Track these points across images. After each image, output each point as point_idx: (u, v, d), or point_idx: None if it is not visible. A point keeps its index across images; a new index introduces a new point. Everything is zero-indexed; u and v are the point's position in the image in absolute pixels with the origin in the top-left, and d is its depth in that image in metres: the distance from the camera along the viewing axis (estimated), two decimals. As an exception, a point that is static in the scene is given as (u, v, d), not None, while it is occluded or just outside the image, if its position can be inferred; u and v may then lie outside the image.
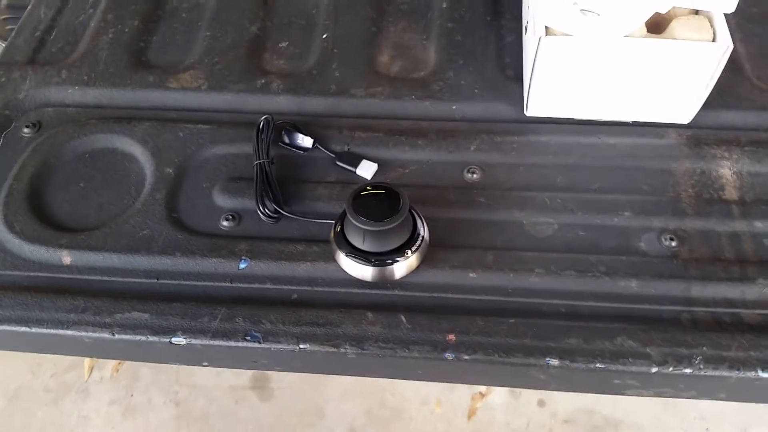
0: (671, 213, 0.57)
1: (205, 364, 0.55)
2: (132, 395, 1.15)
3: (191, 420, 1.13)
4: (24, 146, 0.63)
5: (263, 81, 0.67)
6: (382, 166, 0.61)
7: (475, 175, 0.60)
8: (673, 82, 0.58)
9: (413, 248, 0.52)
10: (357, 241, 0.52)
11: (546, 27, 0.56)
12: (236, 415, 1.13)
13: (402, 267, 0.52)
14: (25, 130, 0.64)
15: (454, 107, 0.65)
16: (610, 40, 0.56)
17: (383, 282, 0.53)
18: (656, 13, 0.55)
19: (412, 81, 0.68)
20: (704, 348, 0.48)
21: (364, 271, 0.52)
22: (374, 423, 1.10)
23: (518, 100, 0.65)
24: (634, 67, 0.57)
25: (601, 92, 0.60)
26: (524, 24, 0.67)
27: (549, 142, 0.62)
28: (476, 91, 0.66)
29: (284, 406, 1.13)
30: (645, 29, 0.57)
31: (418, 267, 0.53)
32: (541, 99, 0.61)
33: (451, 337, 0.50)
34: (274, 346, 0.50)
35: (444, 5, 0.74)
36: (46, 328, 0.51)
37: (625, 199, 0.58)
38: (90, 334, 0.51)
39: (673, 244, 0.55)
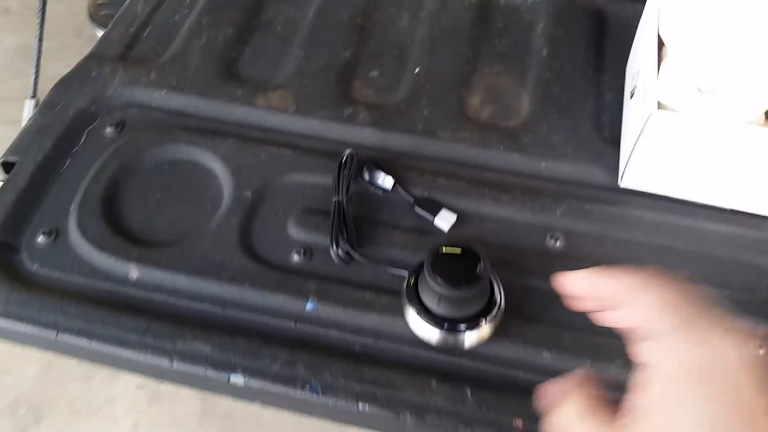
0: (762, 316, 0.51)
1: (258, 402, 0.52)
2: (160, 383, 1.14)
3: (214, 417, 1.12)
4: (105, 146, 0.61)
5: (350, 110, 0.63)
6: (461, 218, 0.57)
7: (558, 243, 0.56)
8: (788, 177, 0.53)
9: (488, 317, 0.48)
10: (430, 302, 0.48)
11: (658, 101, 0.51)
12: (259, 419, 1.12)
13: (474, 336, 0.48)
14: (108, 129, 0.62)
15: (543, 164, 0.61)
16: (724, 125, 0.51)
17: (451, 348, 0.49)
18: (785, 104, 0.50)
19: (501, 130, 0.63)
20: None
21: (432, 334, 0.49)
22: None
23: (612, 166, 0.60)
24: (745, 155, 0.52)
25: (704, 174, 0.55)
26: (629, 86, 0.62)
27: (641, 218, 0.57)
28: (568, 150, 0.61)
29: (307, 418, 1.11)
30: (764, 118, 0.52)
31: (490, 337, 0.49)
32: (640, 172, 0.57)
33: (519, 421, 0.46)
34: (332, 401, 0.47)
35: (544, 52, 0.69)
36: (107, 344, 0.49)
37: (715, 293, 0.52)
38: (149, 358, 0.49)
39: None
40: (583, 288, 0.36)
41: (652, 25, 0.56)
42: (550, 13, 0.73)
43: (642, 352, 0.31)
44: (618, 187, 0.59)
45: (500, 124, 0.64)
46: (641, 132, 0.53)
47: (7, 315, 0.50)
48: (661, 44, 0.54)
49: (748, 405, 0.29)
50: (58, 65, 0.90)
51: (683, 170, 0.55)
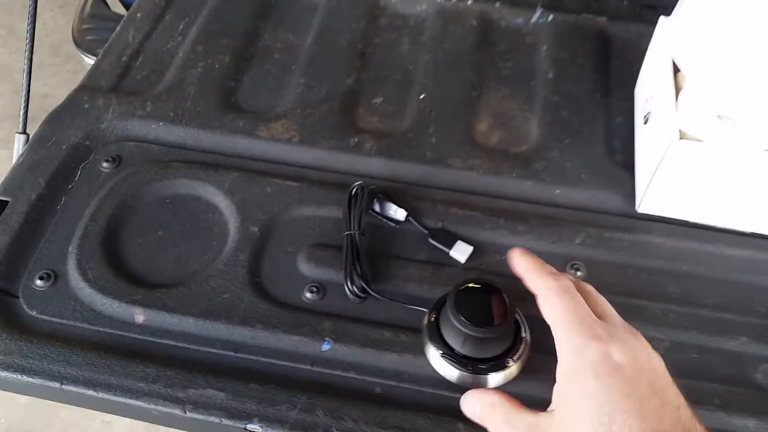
0: (788, 341, 0.52)
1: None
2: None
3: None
4: (102, 182, 0.60)
5: (356, 140, 0.63)
6: (477, 249, 0.57)
7: (579, 273, 0.56)
8: (810, 201, 0.53)
9: (515, 357, 0.48)
10: (455, 343, 0.48)
11: (679, 129, 0.52)
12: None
13: (500, 376, 0.48)
14: (104, 164, 0.61)
15: (557, 191, 0.61)
16: (745, 152, 0.51)
17: (476, 388, 0.49)
18: (805, 129, 0.51)
19: (512, 156, 0.64)
20: None
21: (456, 375, 0.48)
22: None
23: (628, 192, 0.60)
24: (766, 181, 0.53)
25: (724, 199, 0.56)
26: (641, 111, 0.63)
27: (662, 245, 0.57)
28: (582, 176, 0.62)
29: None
30: (785, 142, 0.53)
31: (517, 375, 0.49)
32: (658, 198, 0.57)
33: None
34: (355, 448, 0.46)
35: (549, 75, 0.70)
36: (115, 395, 0.48)
37: (741, 320, 0.53)
38: (160, 408, 0.47)
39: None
40: (516, 269, 0.45)
41: (664, 50, 0.57)
42: (552, 35, 0.74)
43: (557, 349, 0.39)
44: (635, 213, 0.59)
45: (510, 150, 0.64)
46: (661, 160, 0.54)
47: (7, 366, 0.48)
48: (675, 70, 0.55)
49: (651, 396, 0.35)
50: (35, 84, 0.89)
51: (702, 195, 0.56)
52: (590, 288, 0.43)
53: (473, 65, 0.71)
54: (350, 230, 0.55)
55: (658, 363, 0.38)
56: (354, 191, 0.57)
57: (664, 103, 0.54)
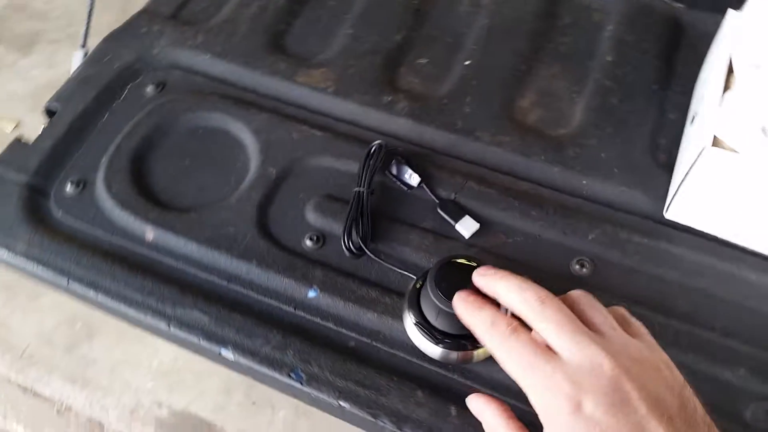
0: (799, 381, 0.50)
1: (247, 375, 0.55)
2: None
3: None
4: (143, 104, 0.65)
5: (390, 98, 0.64)
6: (485, 227, 0.57)
7: (584, 269, 0.55)
8: None
9: (488, 338, 0.49)
10: (430, 314, 0.49)
11: (714, 136, 0.49)
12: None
13: (470, 354, 0.49)
14: (150, 88, 0.66)
15: (584, 182, 0.60)
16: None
17: (445, 363, 0.50)
18: None
19: (546, 138, 0.63)
20: None
21: (427, 346, 0.50)
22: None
23: (660, 194, 0.58)
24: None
25: (757, 219, 0.53)
26: (693, 110, 0.60)
27: (681, 256, 0.55)
28: (616, 170, 0.60)
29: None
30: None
31: (488, 357, 0.50)
32: (687, 206, 0.55)
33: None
34: (314, 392, 0.50)
35: (608, 58, 0.67)
36: (111, 299, 0.53)
37: (745, 351, 0.51)
38: (149, 319, 0.53)
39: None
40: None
41: (725, 47, 0.54)
42: (621, 15, 0.71)
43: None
44: (662, 218, 0.57)
45: (546, 132, 0.63)
46: (692, 166, 0.51)
47: (28, 256, 0.56)
48: (730, 71, 0.52)
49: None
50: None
51: (734, 211, 0.53)
52: (549, 311, 0.39)
53: (530, 36, 0.70)
54: (360, 187, 0.57)
55: (635, 389, 0.36)
56: (372, 150, 0.59)
57: (709, 104, 0.52)
